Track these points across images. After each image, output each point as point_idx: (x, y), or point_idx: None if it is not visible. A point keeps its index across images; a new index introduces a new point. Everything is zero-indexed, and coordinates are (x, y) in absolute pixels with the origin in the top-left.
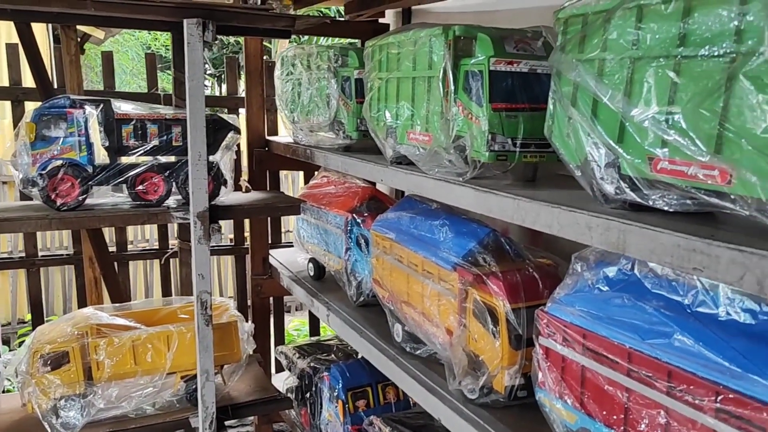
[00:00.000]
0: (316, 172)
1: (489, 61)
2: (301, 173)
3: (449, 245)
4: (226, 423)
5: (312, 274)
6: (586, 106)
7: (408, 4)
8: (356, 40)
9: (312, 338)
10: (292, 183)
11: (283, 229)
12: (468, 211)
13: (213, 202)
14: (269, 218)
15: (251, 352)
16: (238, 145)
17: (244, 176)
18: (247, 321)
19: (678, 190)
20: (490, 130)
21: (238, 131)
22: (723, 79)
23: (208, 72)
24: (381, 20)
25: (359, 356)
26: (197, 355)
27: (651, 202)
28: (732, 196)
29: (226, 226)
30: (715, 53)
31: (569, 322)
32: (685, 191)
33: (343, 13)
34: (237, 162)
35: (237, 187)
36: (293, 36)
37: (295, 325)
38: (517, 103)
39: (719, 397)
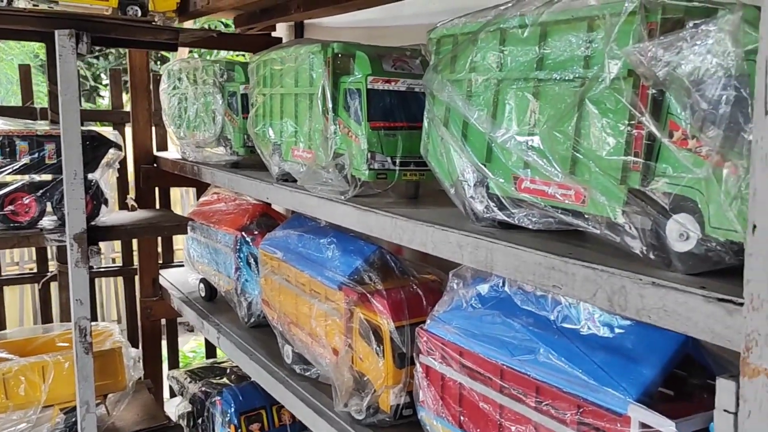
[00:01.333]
0: (207, 189)
1: (366, 80)
2: (193, 190)
3: (336, 264)
4: None
5: (203, 294)
6: (456, 126)
7: (298, 19)
8: (248, 54)
9: (207, 361)
10: (181, 198)
11: (175, 248)
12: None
13: (92, 223)
14: (159, 237)
15: (140, 379)
16: (123, 162)
17: (132, 194)
18: (138, 345)
19: (540, 209)
20: (369, 149)
21: (119, 148)
22: (574, 102)
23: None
24: (274, 34)
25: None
26: (76, 386)
27: (517, 221)
28: (586, 216)
29: (109, 246)
30: (567, 78)
31: (447, 339)
32: (546, 210)
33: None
34: (124, 179)
35: (123, 206)
36: (194, 48)
37: (192, 347)
38: (396, 121)
39: (581, 410)
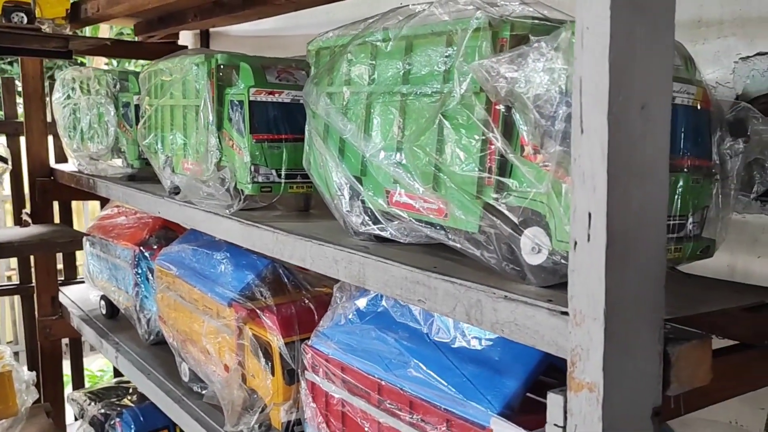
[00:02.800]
0: (109, 202)
1: (249, 91)
2: (96, 203)
3: (228, 279)
4: None
5: (104, 312)
6: (333, 138)
7: (196, 27)
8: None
9: (113, 381)
10: (84, 211)
11: (78, 263)
12: None
13: None
14: (60, 253)
15: (37, 402)
16: (20, 175)
17: (27, 208)
18: (38, 367)
19: (409, 223)
20: (253, 162)
21: (4, 161)
22: (432, 118)
23: None
24: (179, 42)
25: None
26: None
27: (390, 235)
28: (447, 230)
29: (4, 264)
30: (427, 92)
31: (329, 355)
32: (414, 224)
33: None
34: (21, 193)
35: (18, 221)
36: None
37: (101, 366)
38: (281, 133)
39: (449, 424)
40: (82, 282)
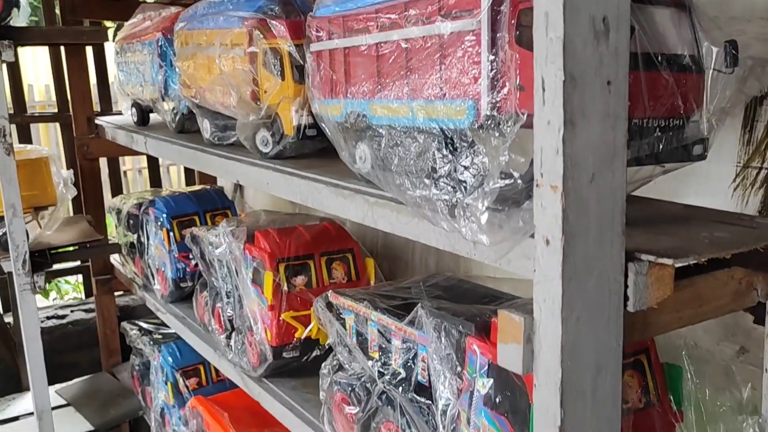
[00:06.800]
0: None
1: None
2: None
3: (239, 5)
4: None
5: (135, 119)
6: None
7: None
8: None
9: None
10: None
11: (113, 101)
12: None
13: None
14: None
15: (72, 199)
16: None
17: None
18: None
19: None
20: None
21: None
22: None
23: None
24: None
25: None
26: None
27: None
28: None
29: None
30: None
31: (331, 13)
32: None
33: None
34: None
35: None
36: None
37: None
38: None
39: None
40: (119, 113)
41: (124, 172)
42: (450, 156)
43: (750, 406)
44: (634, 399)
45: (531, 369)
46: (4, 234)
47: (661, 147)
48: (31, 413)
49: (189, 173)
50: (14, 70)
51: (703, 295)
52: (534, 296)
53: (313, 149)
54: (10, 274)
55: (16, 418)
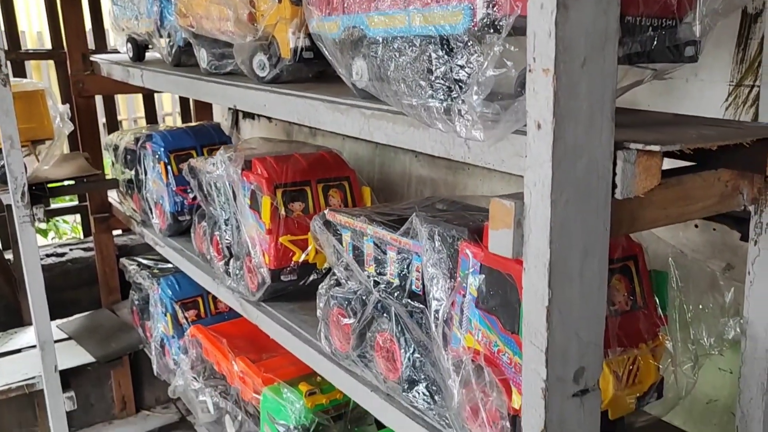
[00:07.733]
0: None
1: None
2: None
3: None
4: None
5: (131, 55)
6: None
7: None
8: None
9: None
10: None
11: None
12: None
13: None
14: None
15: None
16: None
17: None
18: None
19: None
20: None
21: None
22: None
23: None
24: None
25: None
26: None
27: None
28: None
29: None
30: None
31: None
32: None
33: None
34: None
35: None
36: None
37: None
38: None
39: None
40: (114, 52)
41: (120, 122)
42: (446, 57)
43: (732, 309)
44: (621, 302)
45: (521, 253)
46: (2, 167)
47: (653, 46)
48: (33, 346)
49: (186, 120)
50: (8, 5)
51: (690, 195)
52: (525, 180)
53: (309, 74)
54: (9, 208)
55: (18, 351)
